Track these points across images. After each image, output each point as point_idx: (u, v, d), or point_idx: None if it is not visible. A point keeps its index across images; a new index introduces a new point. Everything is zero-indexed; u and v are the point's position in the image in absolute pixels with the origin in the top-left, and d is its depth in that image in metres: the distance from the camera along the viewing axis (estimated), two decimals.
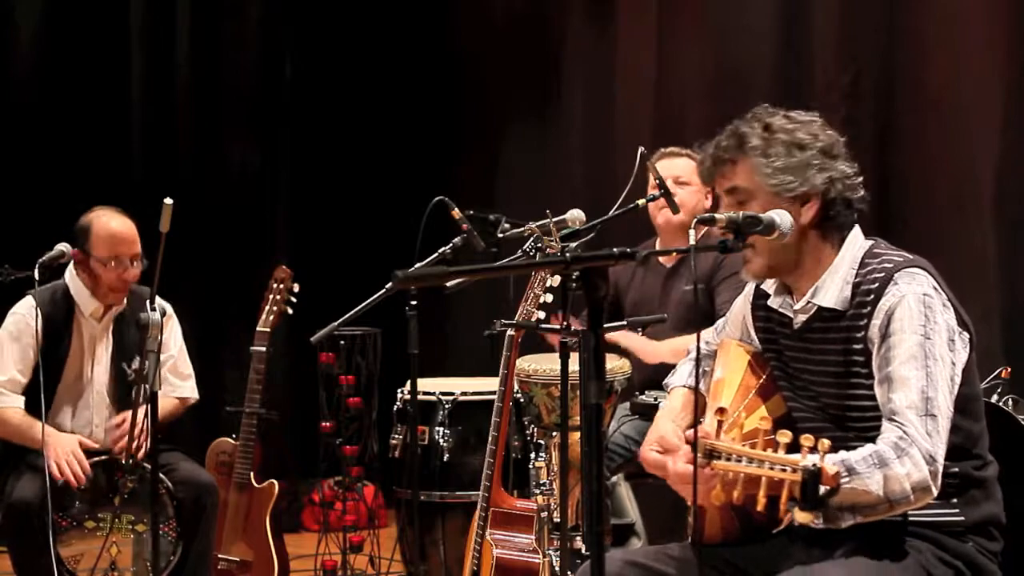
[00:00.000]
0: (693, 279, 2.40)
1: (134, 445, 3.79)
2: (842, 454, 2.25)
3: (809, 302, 2.51)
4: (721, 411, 2.34)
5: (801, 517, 2.16)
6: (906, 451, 2.26)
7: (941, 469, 2.30)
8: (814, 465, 2.11)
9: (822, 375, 2.51)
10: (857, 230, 2.54)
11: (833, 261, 2.50)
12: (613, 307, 4.33)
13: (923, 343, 2.34)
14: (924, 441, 2.28)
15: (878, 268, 2.45)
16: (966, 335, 2.44)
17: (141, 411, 3.56)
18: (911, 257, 2.47)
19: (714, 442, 2.28)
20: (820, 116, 2.57)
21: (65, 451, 3.83)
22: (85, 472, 3.84)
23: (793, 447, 2.17)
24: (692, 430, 2.50)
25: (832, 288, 2.48)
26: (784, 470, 2.15)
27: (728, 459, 2.25)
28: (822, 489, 2.12)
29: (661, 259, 4.28)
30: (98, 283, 4.00)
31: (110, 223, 3.98)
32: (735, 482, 2.23)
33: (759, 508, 2.17)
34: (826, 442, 2.13)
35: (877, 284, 2.42)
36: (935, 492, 2.30)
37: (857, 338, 2.43)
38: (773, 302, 2.61)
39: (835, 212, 2.50)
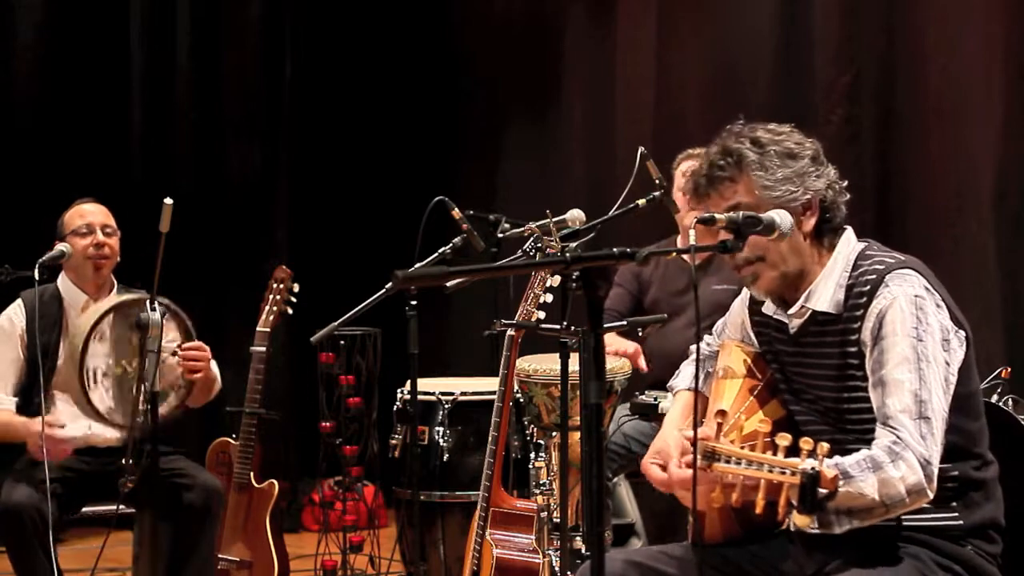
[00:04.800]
0: (693, 280, 2.38)
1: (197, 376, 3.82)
2: (836, 459, 2.25)
3: (803, 306, 2.51)
4: (721, 413, 2.34)
5: (799, 520, 2.16)
6: (900, 455, 2.27)
7: (936, 471, 2.29)
8: (812, 468, 2.11)
9: (820, 378, 2.51)
10: (850, 231, 2.55)
11: (827, 264, 2.50)
12: (635, 303, 4.33)
13: (915, 345, 2.33)
14: (918, 445, 2.28)
15: (870, 270, 2.45)
16: (962, 333, 2.43)
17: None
18: (903, 258, 2.47)
19: (714, 444, 2.28)
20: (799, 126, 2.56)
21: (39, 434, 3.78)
22: (63, 449, 3.80)
23: (792, 450, 2.17)
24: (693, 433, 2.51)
25: (826, 292, 2.48)
26: (783, 473, 2.15)
27: (727, 461, 2.25)
28: (820, 492, 2.12)
29: (686, 258, 4.26)
30: (78, 258, 4.02)
31: (80, 204, 4.11)
32: (734, 484, 2.23)
33: (757, 511, 2.18)
34: (825, 445, 2.13)
35: (869, 286, 2.42)
36: (931, 494, 2.30)
37: (852, 340, 2.43)
38: (767, 308, 2.61)
39: (831, 215, 2.51)
